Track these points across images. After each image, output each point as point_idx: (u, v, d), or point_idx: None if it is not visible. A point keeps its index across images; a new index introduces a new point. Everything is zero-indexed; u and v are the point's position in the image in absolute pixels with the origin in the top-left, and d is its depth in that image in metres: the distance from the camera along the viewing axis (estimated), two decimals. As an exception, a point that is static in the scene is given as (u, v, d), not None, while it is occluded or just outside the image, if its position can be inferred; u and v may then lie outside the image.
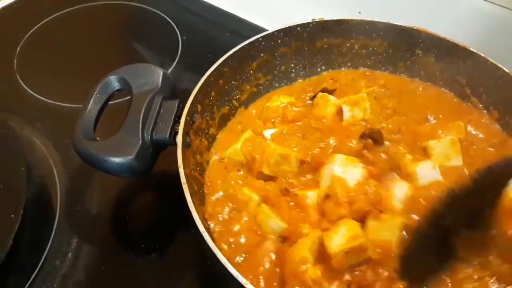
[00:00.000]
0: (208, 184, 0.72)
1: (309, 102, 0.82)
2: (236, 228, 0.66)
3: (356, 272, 0.59)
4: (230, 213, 0.68)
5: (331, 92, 0.81)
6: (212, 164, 0.75)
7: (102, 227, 0.76)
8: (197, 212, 0.57)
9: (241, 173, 0.73)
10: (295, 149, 0.70)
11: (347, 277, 0.59)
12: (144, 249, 0.73)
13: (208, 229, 0.61)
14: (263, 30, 1.06)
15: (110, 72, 0.72)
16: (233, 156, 0.75)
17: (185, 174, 0.62)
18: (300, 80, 0.90)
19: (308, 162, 0.70)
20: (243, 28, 1.10)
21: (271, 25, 1.07)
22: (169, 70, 0.99)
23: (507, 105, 0.77)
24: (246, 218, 0.67)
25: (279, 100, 0.83)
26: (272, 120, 0.79)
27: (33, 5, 1.20)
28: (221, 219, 0.67)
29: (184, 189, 0.59)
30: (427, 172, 0.66)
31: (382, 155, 0.71)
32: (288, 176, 0.69)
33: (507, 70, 0.74)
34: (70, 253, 0.71)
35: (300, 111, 0.79)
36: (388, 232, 0.60)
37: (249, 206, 0.67)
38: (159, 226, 0.77)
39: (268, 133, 0.75)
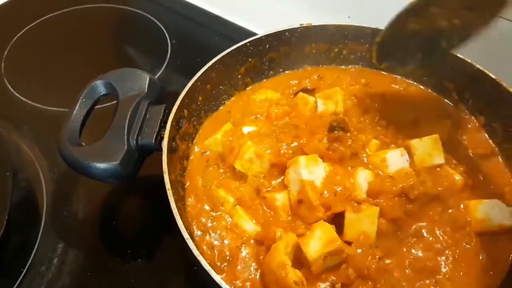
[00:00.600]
0: (187, 184, 0.71)
1: (292, 97, 0.82)
2: (218, 231, 0.66)
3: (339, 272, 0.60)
4: (211, 213, 0.68)
5: (311, 91, 0.82)
6: (194, 159, 0.75)
7: (88, 232, 0.75)
8: (181, 218, 0.57)
9: (221, 170, 0.72)
10: (268, 151, 0.71)
11: (331, 276, 0.60)
12: (131, 254, 0.72)
13: (192, 234, 0.62)
14: (253, 34, 1.07)
15: (96, 77, 0.72)
16: (212, 146, 0.75)
17: (171, 180, 0.62)
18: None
19: (276, 164, 0.70)
20: (233, 32, 1.10)
21: (260, 30, 1.08)
22: (158, 74, 0.99)
23: (494, 110, 0.78)
24: (229, 219, 0.67)
25: (265, 94, 0.83)
26: (256, 116, 0.79)
27: (21, 7, 1.20)
28: (203, 221, 0.67)
29: (168, 195, 0.59)
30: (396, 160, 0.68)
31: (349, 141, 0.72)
32: (258, 176, 0.70)
33: (493, 76, 0.75)
34: (56, 259, 0.71)
35: (284, 109, 0.79)
36: (367, 221, 0.62)
37: (225, 207, 0.68)
38: (146, 231, 0.76)
39: (246, 130, 0.75)
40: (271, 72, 0.88)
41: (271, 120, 0.77)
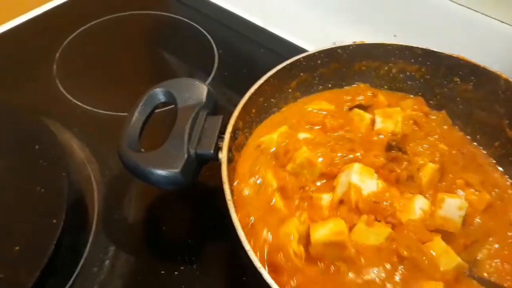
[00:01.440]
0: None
1: (347, 111, 0.84)
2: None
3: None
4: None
5: (365, 108, 0.83)
6: (246, 150, 0.77)
7: (139, 236, 0.77)
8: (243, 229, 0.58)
9: (274, 162, 0.75)
10: (321, 159, 0.73)
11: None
12: (180, 260, 0.74)
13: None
14: (297, 47, 1.09)
15: (156, 85, 0.73)
16: (267, 144, 0.77)
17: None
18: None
19: (326, 173, 0.72)
20: (277, 45, 1.11)
21: (305, 44, 1.10)
22: (206, 83, 1.00)
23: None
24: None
25: (320, 105, 0.85)
26: (311, 126, 0.81)
27: (75, 9, 1.23)
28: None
29: (229, 206, 0.60)
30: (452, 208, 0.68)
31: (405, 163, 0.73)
32: (306, 179, 0.72)
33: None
34: (107, 261, 0.72)
35: (339, 122, 0.80)
36: (374, 238, 0.64)
37: (267, 189, 0.71)
38: (196, 238, 0.77)
39: (302, 136, 0.78)
40: (321, 86, 0.88)
41: (325, 131, 0.79)
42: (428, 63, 0.86)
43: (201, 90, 0.73)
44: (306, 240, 0.64)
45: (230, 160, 0.69)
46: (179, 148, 0.66)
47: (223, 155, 0.66)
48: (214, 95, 0.75)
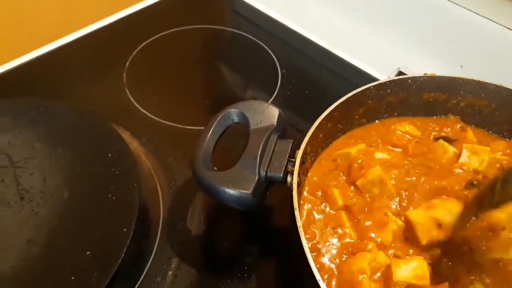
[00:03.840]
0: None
1: (432, 140, 0.85)
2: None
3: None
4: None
5: (451, 141, 0.83)
6: (321, 160, 0.80)
7: (201, 249, 0.79)
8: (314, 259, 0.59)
9: (344, 178, 0.77)
10: (393, 181, 0.75)
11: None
12: (239, 277, 0.75)
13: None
14: (361, 72, 1.09)
15: (229, 106, 0.76)
16: (342, 158, 0.80)
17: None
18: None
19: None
20: (341, 68, 1.11)
21: (369, 69, 1.10)
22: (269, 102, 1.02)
23: None
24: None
25: (406, 128, 0.85)
26: (392, 147, 0.83)
27: (146, 19, 1.27)
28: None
29: (300, 233, 0.61)
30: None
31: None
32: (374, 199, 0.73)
33: None
34: (170, 272, 0.74)
35: (422, 149, 0.81)
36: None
37: (331, 206, 0.73)
38: (254, 255, 0.79)
39: (378, 155, 0.80)
40: (386, 114, 0.89)
41: (406, 155, 0.81)
42: (499, 98, 0.85)
43: (273, 113, 0.75)
44: (383, 275, 0.65)
45: (299, 185, 0.71)
46: (251, 170, 0.68)
47: (294, 180, 0.67)
48: (284, 119, 0.76)
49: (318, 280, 0.57)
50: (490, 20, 1.05)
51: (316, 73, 1.11)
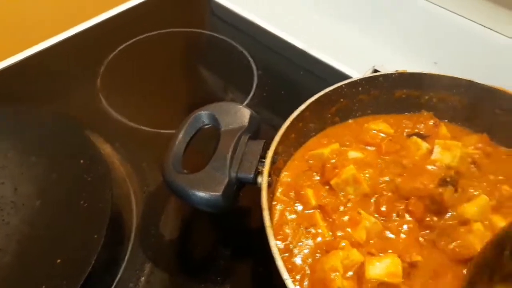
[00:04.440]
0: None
1: (406, 137, 0.85)
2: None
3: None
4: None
5: (424, 137, 0.83)
6: (295, 161, 0.80)
7: (174, 254, 0.78)
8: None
9: (318, 178, 0.77)
10: (367, 180, 0.75)
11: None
12: (213, 281, 0.74)
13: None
14: (337, 71, 1.09)
15: (200, 108, 0.75)
16: (316, 158, 0.79)
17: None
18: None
19: (368, 195, 0.74)
20: (317, 67, 1.11)
21: (345, 68, 1.10)
22: (244, 104, 1.01)
23: None
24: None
25: (380, 126, 0.85)
26: (365, 146, 0.83)
27: (119, 25, 1.26)
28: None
29: (268, 233, 0.60)
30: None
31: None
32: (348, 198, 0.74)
33: None
34: (143, 278, 0.73)
35: (395, 147, 0.81)
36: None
37: (305, 206, 0.73)
38: (228, 259, 0.78)
39: (352, 154, 0.80)
40: (359, 113, 0.89)
41: (379, 153, 0.81)
42: (471, 94, 0.86)
43: (244, 114, 0.75)
44: (356, 273, 0.65)
45: (269, 185, 0.70)
46: (221, 171, 0.67)
47: (263, 180, 0.67)
48: (257, 120, 0.76)
49: (284, 280, 0.56)
50: (464, 17, 1.06)
51: (293, 74, 1.11)
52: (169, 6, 1.32)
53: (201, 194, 0.65)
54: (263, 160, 0.70)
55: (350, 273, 0.65)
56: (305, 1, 1.25)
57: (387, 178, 0.77)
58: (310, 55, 1.14)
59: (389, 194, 0.75)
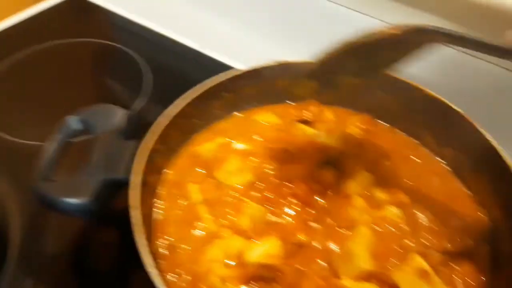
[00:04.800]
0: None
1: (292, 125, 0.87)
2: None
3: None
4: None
5: (310, 123, 0.86)
6: (180, 160, 0.79)
7: (59, 268, 0.75)
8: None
9: (203, 172, 0.77)
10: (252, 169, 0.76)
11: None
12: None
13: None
14: (230, 68, 1.10)
15: (71, 113, 0.73)
16: (201, 153, 0.79)
17: (144, 215, 0.62)
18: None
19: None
20: (211, 66, 1.13)
21: (239, 65, 1.11)
22: (135, 106, 1.01)
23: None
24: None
25: (267, 118, 0.87)
26: (252, 136, 0.83)
27: (6, 36, 1.22)
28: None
29: (135, 231, 0.59)
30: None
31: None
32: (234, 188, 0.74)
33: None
34: (25, 294, 0.70)
35: (281, 135, 0.84)
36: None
37: (189, 201, 0.73)
38: (118, 266, 0.77)
39: (237, 146, 0.81)
40: (246, 105, 0.89)
41: (267, 143, 0.82)
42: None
43: (119, 115, 0.74)
44: (237, 259, 0.65)
45: (144, 184, 0.68)
46: (91, 175, 0.66)
47: (133, 179, 0.65)
48: (132, 119, 0.75)
49: (149, 272, 0.55)
50: (344, 7, 1.10)
51: (186, 74, 1.12)
52: (53, 17, 1.29)
53: (69, 200, 0.63)
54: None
55: (232, 262, 0.65)
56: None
57: (272, 166, 0.78)
58: (204, 55, 1.15)
59: (275, 180, 0.76)
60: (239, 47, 1.13)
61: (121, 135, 0.71)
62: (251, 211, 0.70)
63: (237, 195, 0.73)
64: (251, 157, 0.79)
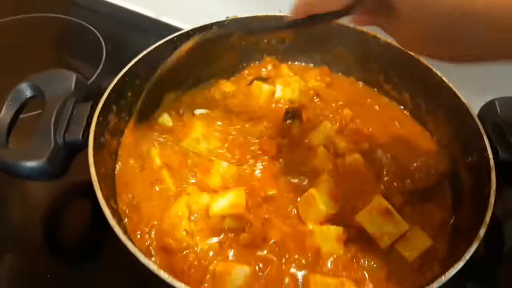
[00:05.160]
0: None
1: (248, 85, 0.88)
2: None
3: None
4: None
5: (265, 80, 0.88)
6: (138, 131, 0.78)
7: (26, 236, 0.75)
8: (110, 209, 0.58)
9: (164, 136, 0.77)
10: (216, 133, 0.77)
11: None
12: (74, 255, 0.73)
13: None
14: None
15: (21, 80, 0.72)
16: (163, 122, 0.79)
17: (99, 174, 0.62)
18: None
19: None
20: (170, 34, 1.10)
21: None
22: (93, 77, 1.00)
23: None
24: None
25: (223, 88, 0.87)
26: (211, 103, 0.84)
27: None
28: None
29: (95, 187, 0.60)
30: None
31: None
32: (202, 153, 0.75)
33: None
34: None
35: (240, 99, 0.85)
36: None
37: (151, 165, 0.73)
38: (87, 232, 0.77)
39: (198, 112, 0.82)
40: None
41: (228, 107, 0.83)
42: (305, 29, 0.88)
43: (70, 79, 0.73)
44: (204, 213, 0.66)
45: (102, 145, 0.69)
46: (45, 138, 0.65)
47: (90, 139, 0.65)
48: (84, 83, 0.74)
49: (112, 227, 0.56)
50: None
51: (144, 43, 1.09)
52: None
53: (25, 163, 0.63)
54: (91, 121, 0.68)
55: (196, 215, 0.66)
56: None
57: (238, 126, 0.79)
58: (160, 22, 1.15)
59: (241, 139, 0.78)
60: (194, 14, 1.11)
61: (72, 98, 0.70)
62: (221, 169, 0.71)
63: (203, 159, 0.74)
64: (215, 122, 0.79)
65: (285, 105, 0.84)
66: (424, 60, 0.79)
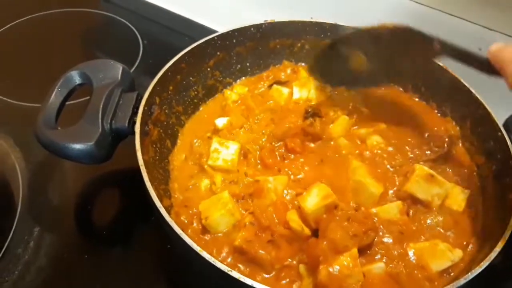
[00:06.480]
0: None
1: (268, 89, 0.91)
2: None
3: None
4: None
5: (284, 83, 0.90)
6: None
7: (65, 218, 0.78)
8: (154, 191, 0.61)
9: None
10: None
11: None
12: (107, 238, 0.76)
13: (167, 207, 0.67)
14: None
15: (71, 68, 0.75)
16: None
17: (144, 160, 0.66)
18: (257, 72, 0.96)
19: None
20: (203, 34, 1.14)
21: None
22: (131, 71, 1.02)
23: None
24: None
25: (237, 91, 0.90)
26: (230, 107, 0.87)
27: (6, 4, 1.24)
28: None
29: (142, 171, 0.63)
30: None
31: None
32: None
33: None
34: (32, 242, 0.73)
35: (260, 99, 0.88)
36: None
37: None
38: (122, 217, 0.80)
39: (220, 122, 0.83)
40: (239, 65, 0.93)
41: (250, 110, 0.86)
42: (336, 35, 0.92)
43: (116, 69, 0.76)
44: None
45: (146, 133, 0.72)
46: (93, 123, 0.68)
47: (137, 126, 0.68)
48: (129, 73, 0.77)
49: (159, 208, 0.59)
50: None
51: (178, 41, 1.14)
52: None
53: (73, 145, 0.66)
54: (137, 110, 0.72)
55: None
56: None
57: (263, 131, 0.82)
58: (195, 23, 1.18)
59: (268, 145, 0.79)
60: (229, 15, 1.15)
61: (118, 87, 0.73)
62: (271, 185, 0.71)
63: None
64: (236, 131, 0.81)
65: (303, 105, 0.86)
66: (452, 71, 0.82)
